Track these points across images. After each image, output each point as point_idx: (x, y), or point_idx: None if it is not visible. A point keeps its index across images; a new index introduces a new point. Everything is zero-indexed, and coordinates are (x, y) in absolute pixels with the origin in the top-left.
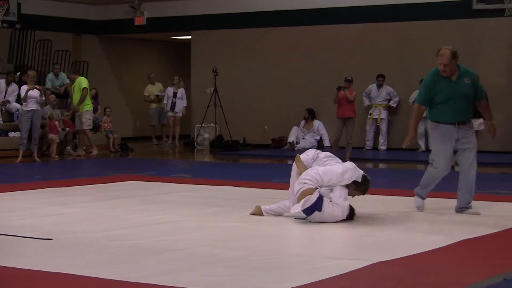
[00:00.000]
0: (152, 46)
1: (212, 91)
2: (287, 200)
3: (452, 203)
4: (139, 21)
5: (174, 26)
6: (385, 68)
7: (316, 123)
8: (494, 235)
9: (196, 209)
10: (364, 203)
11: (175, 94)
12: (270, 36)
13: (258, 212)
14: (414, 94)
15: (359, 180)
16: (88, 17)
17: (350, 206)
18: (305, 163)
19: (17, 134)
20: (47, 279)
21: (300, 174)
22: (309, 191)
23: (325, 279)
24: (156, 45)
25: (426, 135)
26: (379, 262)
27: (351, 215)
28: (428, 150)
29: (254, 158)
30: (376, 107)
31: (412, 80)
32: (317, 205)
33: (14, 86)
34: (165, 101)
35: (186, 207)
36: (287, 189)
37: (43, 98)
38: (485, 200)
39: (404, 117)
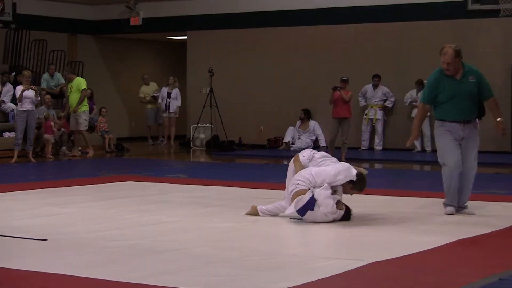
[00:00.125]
0: (148, 46)
1: (208, 91)
2: (283, 201)
3: None
4: (135, 21)
5: (170, 26)
6: (380, 68)
7: (312, 123)
8: (489, 235)
9: (192, 209)
10: (360, 203)
11: (169, 95)
12: (266, 37)
13: (254, 212)
14: (409, 94)
15: (354, 179)
16: (83, 17)
17: (347, 206)
18: (302, 164)
19: (12, 134)
20: (43, 280)
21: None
22: (302, 192)
23: (321, 279)
24: (152, 45)
25: (421, 135)
26: (375, 262)
27: (347, 216)
28: (423, 150)
29: (250, 158)
30: (371, 107)
31: (408, 80)
32: (310, 205)
33: (9, 86)
34: (160, 101)
35: (182, 207)
36: (283, 189)
37: (39, 98)
38: (480, 200)
39: (399, 118)
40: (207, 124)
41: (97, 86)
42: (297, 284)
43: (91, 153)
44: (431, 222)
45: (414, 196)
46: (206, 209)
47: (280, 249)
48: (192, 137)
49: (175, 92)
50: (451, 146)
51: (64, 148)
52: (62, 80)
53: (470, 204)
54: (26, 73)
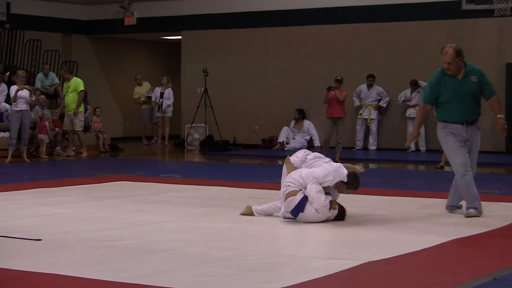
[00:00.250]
0: (142, 46)
1: (202, 91)
2: (278, 201)
3: (440, 203)
4: (129, 21)
5: (164, 26)
6: (375, 68)
7: (306, 123)
8: (484, 234)
9: (186, 209)
10: (355, 203)
11: (162, 95)
12: (260, 37)
13: (248, 212)
14: (404, 93)
15: (345, 180)
16: (77, 17)
17: (341, 206)
18: (294, 165)
19: (6, 134)
20: (37, 279)
21: None
22: (293, 193)
23: (315, 279)
24: (146, 45)
25: None
26: (369, 262)
27: (341, 216)
28: (418, 150)
29: (244, 158)
30: (366, 107)
31: (402, 80)
32: (301, 206)
33: (3, 86)
34: (153, 99)
35: (177, 207)
36: (277, 189)
37: (33, 98)
38: None
39: (394, 117)
40: (202, 124)
41: (92, 86)
42: (291, 284)
43: (85, 153)
44: (426, 221)
45: (409, 196)
46: (201, 209)
47: (275, 249)
48: (187, 137)
49: (168, 92)
50: (456, 148)
51: (58, 148)
52: (57, 80)
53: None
54: (20, 73)
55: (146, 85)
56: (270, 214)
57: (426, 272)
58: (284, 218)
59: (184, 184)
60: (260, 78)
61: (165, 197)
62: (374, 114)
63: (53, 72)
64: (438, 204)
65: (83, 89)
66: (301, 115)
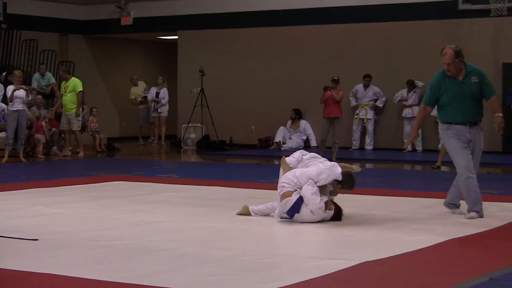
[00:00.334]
0: (139, 46)
1: (198, 91)
2: (275, 201)
3: (436, 203)
4: (126, 21)
5: (161, 26)
6: (371, 68)
7: (303, 123)
8: (480, 234)
9: (183, 209)
10: (351, 203)
11: (157, 95)
12: (257, 36)
13: (245, 212)
14: (400, 93)
15: (340, 178)
16: (74, 17)
17: (338, 207)
18: (291, 165)
19: (3, 134)
20: (34, 280)
21: None
22: (288, 194)
23: (312, 279)
24: (143, 45)
25: None
26: (366, 262)
27: (338, 216)
28: (414, 150)
29: (240, 158)
30: (362, 107)
31: (399, 80)
32: (296, 206)
33: (0, 86)
34: (149, 98)
35: (174, 207)
36: (274, 189)
37: (30, 98)
38: None
39: (390, 117)
40: (198, 124)
41: (88, 86)
42: (288, 284)
43: (82, 153)
44: (422, 221)
45: (405, 196)
46: (198, 209)
47: (272, 249)
48: (183, 137)
49: (163, 92)
50: (460, 150)
51: (55, 148)
52: (53, 80)
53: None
54: (17, 73)
55: (141, 85)
56: (267, 214)
57: (423, 272)
58: (281, 218)
59: (181, 184)
60: (257, 78)
61: (162, 197)
62: (370, 114)
63: (49, 72)
64: (435, 204)
65: (81, 89)
66: (298, 115)
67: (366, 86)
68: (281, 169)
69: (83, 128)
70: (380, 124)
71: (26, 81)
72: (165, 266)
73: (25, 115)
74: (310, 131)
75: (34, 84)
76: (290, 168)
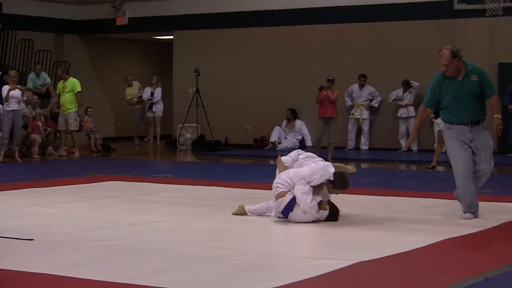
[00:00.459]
0: (134, 46)
1: (194, 91)
2: (271, 201)
3: (432, 203)
4: (121, 21)
5: (156, 26)
6: (367, 68)
7: (298, 123)
8: (476, 234)
9: (179, 209)
10: (347, 203)
11: (152, 94)
12: (252, 36)
13: (241, 212)
14: (396, 92)
15: (331, 178)
16: (69, 17)
17: (335, 207)
18: (287, 164)
19: None
20: (29, 279)
21: None
22: (282, 194)
23: (307, 278)
24: (138, 45)
25: (408, 135)
26: (361, 261)
27: (335, 216)
28: (409, 150)
29: (236, 158)
30: (358, 107)
31: (394, 80)
32: (290, 206)
33: None
34: (144, 97)
35: (169, 207)
36: (270, 189)
37: (25, 98)
38: None
39: (386, 117)
40: (193, 124)
41: (83, 85)
42: (284, 284)
43: (77, 153)
44: (417, 221)
45: (401, 196)
46: (193, 209)
47: (267, 249)
48: (178, 137)
49: (157, 91)
50: (458, 151)
51: (50, 148)
52: (48, 80)
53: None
54: (12, 73)
55: (136, 85)
56: (263, 214)
57: (418, 272)
58: (278, 218)
59: (177, 184)
60: (252, 78)
61: (157, 197)
62: (366, 114)
63: (45, 72)
64: (431, 204)
65: (80, 90)
66: (294, 115)
67: (361, 86)
68: (277, 169)
69: (79, 128)
70: (375, 124)
71: (21, 81)
72: (161, 266)
73: (20, 115)
74: (305, 131)
75: (30, 84)
76: (286, 168)
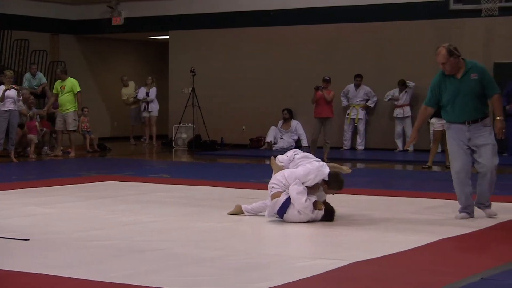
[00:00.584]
0: (130, 46)
1: (190, 91)
2: (267, 200)
3: (427, 203)
4: (117, 21)
5: (152, 26)
6: (362, 68)
7: (294, 123)
8: (472, 234)
9: (174, 209)
10: (342, 203)
11: (147, 94)
12: (248, 36)
13: (237, 212)
14: (392, 92)
15: (326, 178)
16: (65, 17)
17: (331, 207)
18: (283, 164)
19: None
20: (25, 279)
21: None
22: (277, 194)
23: (303, 279)
24: (134, 45)
25: (403, 135)
26: (357, 261)
27: (330, 216)
28: (405, 150)
29: (232, 158)
30: (354, 107)
31: (390, 80)
32: (284, 207)
33: None
34: (140, 97)
35: (165, 207)
36: (265, 189)
37: (21, 98)
38: None
39: (382, 117)
40: (189, 124)
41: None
42: (279, 284)
43: (73, 153)
44: (413, 221)
45: (396, 196)
46: (189, 209)
47: (263, 248)
48: (174, 137)
49: (152, 91)
50: (456, 152)
51: (46, 148)
52: (44, 80)
53: (452, 204)
54: (8, 73)
55: (132, 85)
56: (259, 213)
57: (414, 272)
58: (275, 217)
59: (172, 184)
60: (248, 78)
61: (153, 197)
62: (361, 114)
63: (40, 72)
64: (426, 204)
65: (79, 90)
66: (290, 115)
67: (357, 86)
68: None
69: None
70: (371, 124)
71: (17, 81)
72: (156, 266)
73: (16, 115)
74: (301, 131)
75: (25, 84)
76: (280, 168)
